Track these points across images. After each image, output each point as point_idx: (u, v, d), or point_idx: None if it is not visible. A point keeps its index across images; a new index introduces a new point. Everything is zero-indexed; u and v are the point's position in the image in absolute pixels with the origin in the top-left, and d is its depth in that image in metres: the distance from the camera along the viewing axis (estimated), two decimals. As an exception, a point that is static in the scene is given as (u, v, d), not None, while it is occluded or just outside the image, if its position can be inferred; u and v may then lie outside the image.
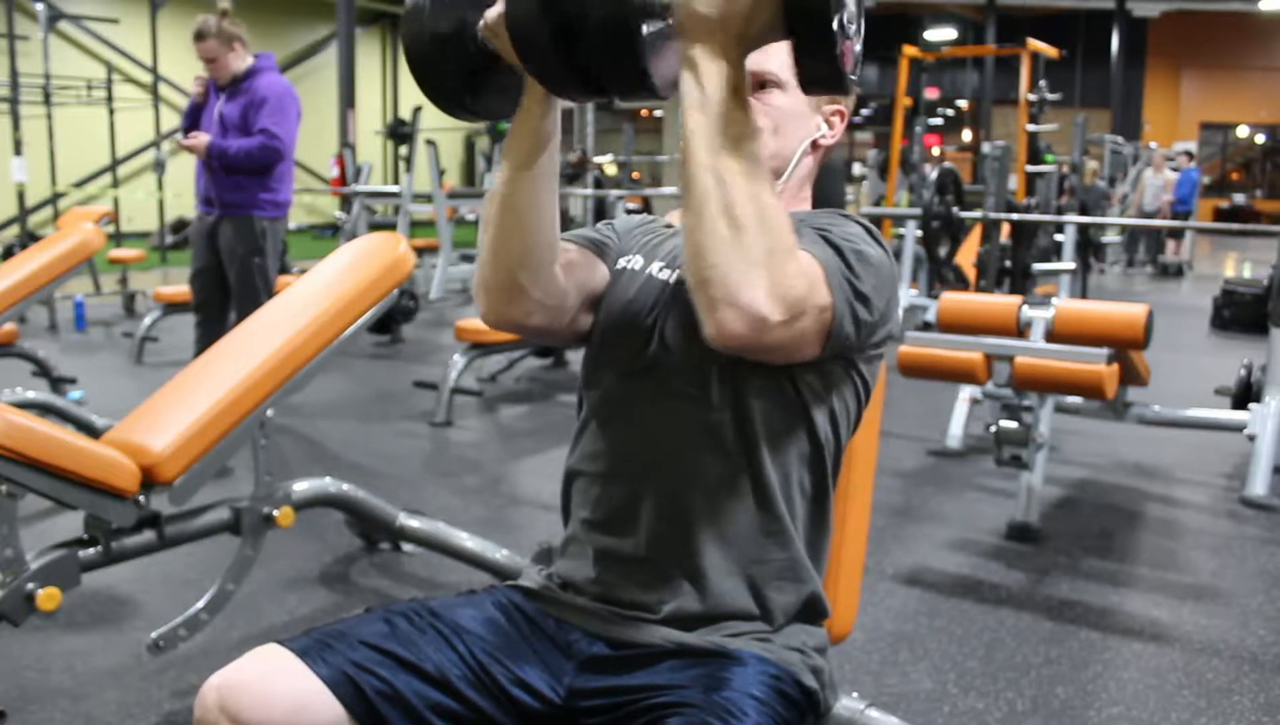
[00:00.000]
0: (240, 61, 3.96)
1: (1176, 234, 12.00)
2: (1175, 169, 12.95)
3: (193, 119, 4.14)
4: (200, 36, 3.91)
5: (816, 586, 1.23)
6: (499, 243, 1.16)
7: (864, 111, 20.84)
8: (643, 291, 1.26)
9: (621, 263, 1.31)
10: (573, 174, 8.27)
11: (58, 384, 4.51)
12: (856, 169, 10.41)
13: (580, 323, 1.26)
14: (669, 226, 1.37)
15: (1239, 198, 20.70)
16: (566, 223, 7.91)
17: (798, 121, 1.27)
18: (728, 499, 1.17)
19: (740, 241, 0.96)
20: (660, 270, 1.28)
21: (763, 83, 1.25)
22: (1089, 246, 8.52)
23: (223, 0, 3.97)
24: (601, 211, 8.67)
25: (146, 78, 14.11)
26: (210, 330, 4.08)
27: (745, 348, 1.00)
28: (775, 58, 1.25)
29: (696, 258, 0.97)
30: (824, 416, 1.21)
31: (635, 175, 13.94)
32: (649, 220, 1.40)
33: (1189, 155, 14.16)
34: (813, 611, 1.22)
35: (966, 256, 6.84)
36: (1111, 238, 11.92)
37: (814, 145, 1.29)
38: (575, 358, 5.72)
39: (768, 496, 1.18)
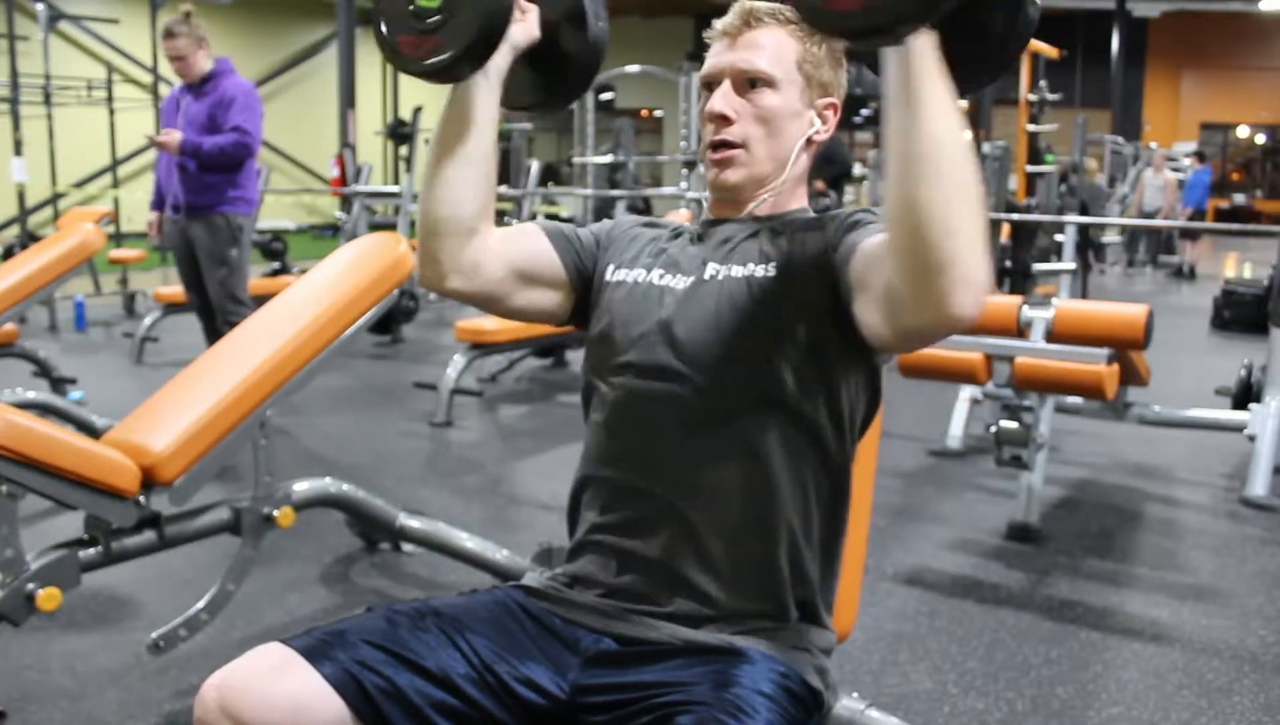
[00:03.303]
0: (208, 61, 4.03)
1: (1191, 235, 11.92)
2: (1176, 170, 12.89)
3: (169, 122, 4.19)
4: (170, 34, 3.95)
5: (828, 590, 1.23)
6: (422, 207, 1.25)
7: (864, 111, 20.82)
8: (647, 299, 1.25)
9: (617, 274, 1.30)
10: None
11: (58, 384, 4.50)
12: (857, 169, 10.36)
13: (518, 300, 1.29)
14: (674, 230, 1.35)
15: (1239, 198, 20.68)
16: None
17: (792, 120, 1.25)
18: (741, 502, 1.17)
19: (975, 219, 0.92)
20: (661, 277, 1.26)
21: (753, 82, 1.24)
22: (1089, 247, 8.52)
23: (185, 3, 4.02)
24: (602, 212, 8.66)
25: (146, 78, 14.10)
26: (213, 327, 4.12)
27: (953, 332, 0.97)
28: (766, 56, 1.23)
29: (940, 235, 0.91)
30: (838, 422, 1.21)
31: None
32: (650, 223, 1.39)
33: (1200, 156, 14.03)
34: (821, 614, 1.23)
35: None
36: (1112, 238, 11.91)
37: (808, 142, 1.28)
38: (575, 358, 5.72)
39: (781, 500, 1.18)
